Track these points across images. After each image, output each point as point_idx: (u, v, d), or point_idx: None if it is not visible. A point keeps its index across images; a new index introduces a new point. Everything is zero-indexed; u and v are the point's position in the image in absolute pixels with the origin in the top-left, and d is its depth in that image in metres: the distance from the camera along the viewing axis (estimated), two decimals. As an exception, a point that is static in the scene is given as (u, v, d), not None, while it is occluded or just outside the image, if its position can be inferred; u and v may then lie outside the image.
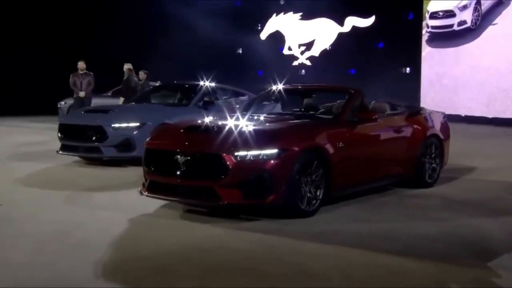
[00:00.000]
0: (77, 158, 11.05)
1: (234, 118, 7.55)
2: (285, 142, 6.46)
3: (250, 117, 7.69)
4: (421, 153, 8.13)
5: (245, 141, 6.44)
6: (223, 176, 6.27)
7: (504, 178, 9.01)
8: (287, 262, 5.12)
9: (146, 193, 6.90)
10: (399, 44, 20.22)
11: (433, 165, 8.36)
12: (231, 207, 6.57)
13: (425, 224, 6.36)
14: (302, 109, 8.46)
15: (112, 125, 10.33)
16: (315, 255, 5.30)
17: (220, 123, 6.92)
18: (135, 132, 10.32)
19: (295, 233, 5.98)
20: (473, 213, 6.85)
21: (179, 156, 6.53)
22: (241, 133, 6.67)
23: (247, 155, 6.30)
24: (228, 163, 6.27)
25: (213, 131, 6.74)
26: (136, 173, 9.62)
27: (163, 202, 7.20)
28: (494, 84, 18.51)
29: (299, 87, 9.09)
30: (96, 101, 15.70)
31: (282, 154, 6.34)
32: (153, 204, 7.14)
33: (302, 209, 6.54)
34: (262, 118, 7.63)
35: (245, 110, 8.22)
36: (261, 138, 6.50)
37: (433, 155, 8.37)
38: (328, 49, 21.78)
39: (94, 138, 10.41)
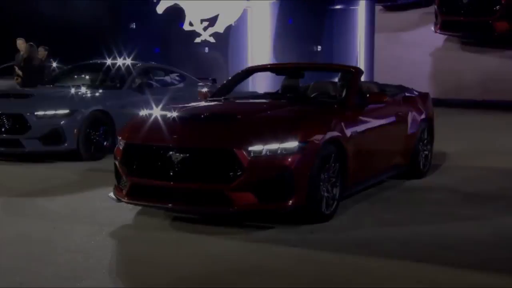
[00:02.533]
0: (-19, 154, 9.22)
1: (216, 103, 6.35)
2: (306, 133, 5.36)
3: (235, 102, 6.50)
4: (418, 139, 7.31)
5: (258, 132, 5.28)
6: (235, 177, 5.08)
7: (487, 163, 8.44)
8: None
9: (126, 199, 5.53)
10: (309, 21, 19.44)
11: (425, 152, 7.57)
12: (244, 214, 5.40)
13: (465, 226, 5.52)
14: (278, 91, 7.34)
15: (36, 113, 8.63)
16: (383, 276, 4.30)
17: (218, 110, 5.66)
18: (63, 121, 8.70)
19: (330, 244, 4.95)
20: (502, 208, 6.12)
21: (173, 153, 5.25)
22: (251, 122, 5.51)
23: (262, 149, 5.15)
24: (241, 160, 5.08)
25: (214, 121, 5.46)
26: (71, 170, 8.13)
27: (136, 209, 5.89)
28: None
29: (270, 65, 8.01)
30: None
31: (303, 147, 5.25)
32: (124, 211, 5.86)
33: (322, 212, 5.51)
34: (253, 103, 6.47)
35: (220, 94, 6.99)
36: (278, 128, 5.36)
37: (425, 141, 7.58)
38: (233, 24, 20.58)
39: (10, 129, 8.69)
